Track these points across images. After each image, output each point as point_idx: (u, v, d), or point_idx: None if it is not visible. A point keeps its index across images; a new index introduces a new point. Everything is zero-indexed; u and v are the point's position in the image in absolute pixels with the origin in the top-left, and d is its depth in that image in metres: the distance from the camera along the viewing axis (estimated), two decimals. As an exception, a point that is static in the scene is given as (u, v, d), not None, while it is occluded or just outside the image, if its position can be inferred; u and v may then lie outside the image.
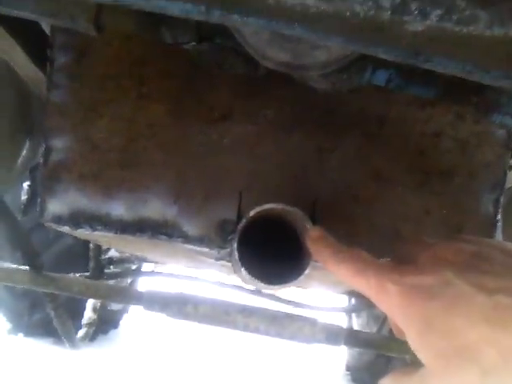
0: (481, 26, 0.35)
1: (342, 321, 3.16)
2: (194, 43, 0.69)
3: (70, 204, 0.81)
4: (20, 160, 1.53)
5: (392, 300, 0.49)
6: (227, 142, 0.82)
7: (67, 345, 1.77)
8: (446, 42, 0.38)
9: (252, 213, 0.71)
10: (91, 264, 1.97)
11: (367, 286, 0.53)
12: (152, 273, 2.44)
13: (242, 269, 0.71)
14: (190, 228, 0.82)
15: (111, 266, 2.18)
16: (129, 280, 2.78)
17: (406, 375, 0.53)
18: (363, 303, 2.43)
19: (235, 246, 0.71)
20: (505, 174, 0.88)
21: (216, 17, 0.38)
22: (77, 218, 0.81)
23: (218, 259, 0.95)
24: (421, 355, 0.47)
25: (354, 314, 3.22)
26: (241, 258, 0.71)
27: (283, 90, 0.82)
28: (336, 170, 0.84)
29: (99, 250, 1.99)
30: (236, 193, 0.82)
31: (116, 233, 0.81)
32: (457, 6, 0.33)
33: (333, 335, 1.44)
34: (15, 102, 1.37)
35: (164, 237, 0.81)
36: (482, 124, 0.86)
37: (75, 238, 2.67)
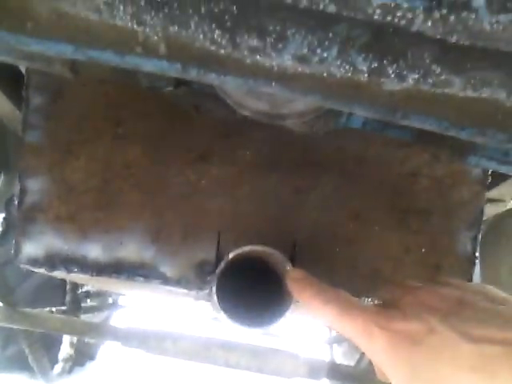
0: (455, 89, 0.35)
1: (323, 350, 3.13)
2: (170, 88, 0.69)
3: (45, 246, 0.80)
4: (-5, 192, 1.51)
5: (378, 345, 0.48)
6: (205, 183, 0.82)
7: (42, 381, 1.73)
8: (422, 100, 0.38)
9: (231, 255, 0.71)
10: (68, 298, 1.94)
11: (353, 327, 0.52)
12: (129, 306, 2.40)
13: (222, 312, 0.70)
14: (168, 269, 0.81)
15: (88, 300, 2.15)
16: (105, 314, 2.73)
17: None
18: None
19: (214, 289, 0.70)
20: (481, 212, 0.89)
21: (193, 75, 0.38)
22: (52, 260, 0.80)
23: (196, 299, 0.94)
24: None
25: (336, 344, 3.20)
26: (220, 301, 0.70)
27: (261, 132, 0.82)
28: (314, 210, 0.84)
29: (76, 284, 1.96)
30: (215, 233, 0.82)
31: (92, 275, 0.79)
32: (432, 70, 0.33)
33: (315, 369, 1.43)
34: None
35: (141, 278, 0.80)
36: (458, 163, 0.87)
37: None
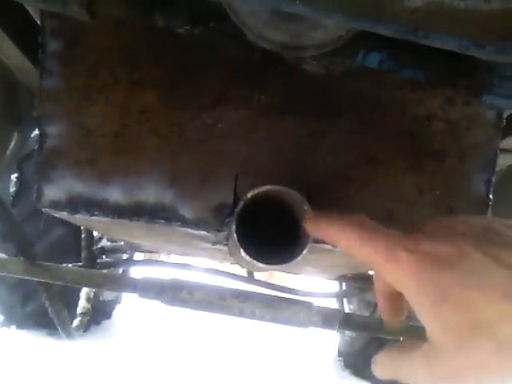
0: (478, 0, 0.35)
1: (333, 307, 3.18)
2: (187, 27, 0.69)
3: (66, 190, 0.81)
4: (9, 152, 1.53)
5: (403, 268, 0.46)
6: (221, 127, 0.83)
7: (63, 335, 1.77)
8: (443, 17, 0.38)
9: (250, 194, 0.72)
10: (83, 254, 1.97)
11: (374, 253, 0.49)
12: (144, 262, 2.44)
13: (241, 250, 0.72)
14: (187, 212, 0.82)
15: (103, 256, 2.19)
16: (120, 270, 2.78)
17: (406, 352, 0.50)
18: (354, 288, 2.45)
19: (233, 227, 0.72)
20: (495, 155, 0.89)
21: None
22: (74, 203, 0.81)
23: (214, 243, 0.96)
24: (431, 329, 0.45)
25: (345, 300, 3.24)
26: (239, 240, 0.72)
27: (276, 75, 0.82)
28: (329, 153, 0.84)
29: (91, 239, 1.99)
30: (231, 177, 0.83)
31: (113, 217, 0.81)
32: (456, -20, 0.33)
33: (328, 319, 1.46)
34: (2, 94, 1.36)
35: (161, 221, 0.82)
36: (473, 106, 0.87)
37: (65, 229, 2.67)
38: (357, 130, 0.85)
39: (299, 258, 0.73)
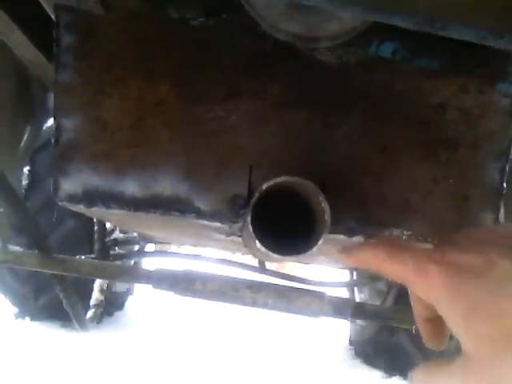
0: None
1: (344, 296, 3.19)
2: (201, 19, 0.69)
3: (83, 183, 0.82)
4: (22, 145, 1.54)
5: (433, 281, 0.45)
6: (235, 119, 0.83)
7: (77, 326, 1.79)
8: (461, 8, 0.38)
9: (265, 186, 0.72)
10: (96, 246, 1.99)
11: (403, 270, 0.49)
12: (157, 253, 2.46)
13: (257, 241, 0.72)
14: (202, 203, 0.83)
15: (116, 248, 2.20)
16: (132, 261, 2.80)
17: (442, 366, 0.49)
18: (365, 277, 2.46)
19: (249, 219, 0.72)
20: (509, 143, 0.89)
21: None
22: (90, 196, 0.82)
23: (229, 234, 0.96)
24: (464, 340, 0.44)
25: (356, 289, 3.25)
26: (255, 231, 0.72)
27: (290, 66, 0.82)
28: (344, 143, 0.84)
29: (104, 231, 2.01)
30: (246, 168, 0.83)
31: (130, 210, 0.82)
32: (475, -29, 0.34)
33: (340, 308, 1.47)
34: (16, 88, 1.37)
35: (177, 213, 0.82)
36: (486, 94, 0.86)
37: (78, 221, 2.68)
38: (371, 120, 0.85)
39: (314, 249, 0.73)
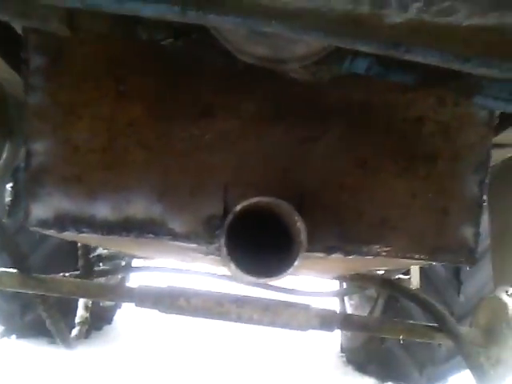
0: (460, 16, 0.34)
1: (335, 304, 3.18)
2: (170, 40, 0.68)
3: (54, 207, 0.80)
4: (1, 162, 1.51)
5: None
6: (210, 138, 0.82)
7: (61, 345, 1.76)
8: (425, 33, 0.37)
9: (239, 207, 0.71)
10: (80, 262, 1.96)
11: None
12: (142, 268, 2.43)
13: (231, 264, 0.71)
14: (177, 225, 0.81)
15: (101, 264, 2.18)
16: (119, 276, 2.77)
17: None
18: (354, 287, 2.45)
19: (223, 241, 0.71)
20: (488, 155, 0.88)
21: (192, 17, 0.37)
22: (62, 221, 0.80)
23: (207, 254, 0.95)
24: None
25: (346, 297, 3.24)
26: (230, 253, 0.71)
27: (264, 83, 0.81)
28: (321, 159, 0.83)
29: (88, 247, 1.98)
30: (221, 188, 0.82)
31: (102, 234, 0.80)
32: (436, -3, 0.33)
33: (327, 320, 1.45)
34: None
35: (151, 235, 0.81)
36: (463, 106, 0.86)
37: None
38: (347, 135, 0.84)
39: (290, 271, 0.72)
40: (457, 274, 2.72)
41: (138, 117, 0.81)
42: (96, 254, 2.17)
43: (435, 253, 0.86)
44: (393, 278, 1.98)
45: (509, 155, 1.36)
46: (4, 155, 1.53)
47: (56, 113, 0.80)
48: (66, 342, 1.75)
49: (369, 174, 0.84)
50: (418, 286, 2.11)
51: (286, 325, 1.44)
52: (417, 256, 0.85)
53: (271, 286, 2.30)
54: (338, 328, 1.48)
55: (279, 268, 0.72)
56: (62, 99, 0.81)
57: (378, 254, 0.84)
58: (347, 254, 0.84)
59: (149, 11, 0.37)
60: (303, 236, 0.71)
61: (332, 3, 0.33)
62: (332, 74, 0.71)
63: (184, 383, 2.70)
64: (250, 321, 1.43)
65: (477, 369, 1.42)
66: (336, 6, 0.34)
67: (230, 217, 0.71)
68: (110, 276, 2.27)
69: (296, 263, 0.71)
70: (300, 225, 0.72)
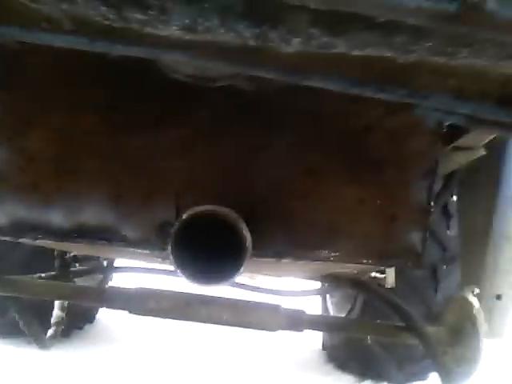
0: (341, 49, 0.37)
1: (316, 303, 3.21)
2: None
3: (9, 215, 0.82)
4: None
5: None
6: (162, 147, 0.84)
7: (36, 345, 1.78)
8: (321, 61, 0.40)
9: (185, 215, 0.73)
10: (56, 262, 1.97)
11: None
12: (125, 268, 2.44)
13: (178, 270, 0.73)
14: (129, 232, 0.84)
15: (77, 264, 2.18)
16: (100, 276, 2.76)
17: None
18: (333, 286, 2.47)
19: (169, 248, 0.73)
20: (436, 162, 0.90)
21: (100, 48, 0.40)
22: (17, 229, 0.82)
23: (163, 260, 0.97)
24: None
25: (328, 296, 3.26)
26: (176, 260, 0.73)
27: (214, 94, 0.83)
28: (270, 167, 0.86)
29: (63, 249, 1.99)
30: (173, 195, 0.84)
31: (57, 240, 0.82)
32: (312, 34, 0.35)
33: (295, 321, 1.47)
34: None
35: (103, 241, 0.83)
36: (412, 114, 0.88)
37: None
38: (296, 143, 0.86)
39: (236, 277, 0.75)
40: (434, 272, 2.74)
41: (91, 126, 0.83)
42: (72, 254, 2.17)
43: (382, 257, 0.89)
44: (368, 277, 2.00)
45: (472, 158, 1.38)
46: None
47: (10, 122, 0.82)
48: (40, 342, 1.77)
49: (317, 181, 0.87)
50: (394, 285, 2.13)
51: (255, 325, 1.46)
52: (364, 261, 0.88)
53: (250, 286, 2.31)
54: (307, 328, 1.50)
55: (225, 274, 0.74)
56: (16, 108, 0.82)
57: (326, 259, 0.86)
58: (297, 258, 0.87)
59: (60, 42, 0.40)
60: (248, 243, 0.74)
61: (220, 37, 0.36)
62: (274, 86, 0.73)
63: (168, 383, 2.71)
64: (219, 321, 1.45)
65: (442, 367, 1.46)
66: (224, 39, 0.36)
67: (176, 225, 0.73)
68: (90, 276, 2.28)
69: (242, 270, 0.74)
70: (245, 232, 0.74)
